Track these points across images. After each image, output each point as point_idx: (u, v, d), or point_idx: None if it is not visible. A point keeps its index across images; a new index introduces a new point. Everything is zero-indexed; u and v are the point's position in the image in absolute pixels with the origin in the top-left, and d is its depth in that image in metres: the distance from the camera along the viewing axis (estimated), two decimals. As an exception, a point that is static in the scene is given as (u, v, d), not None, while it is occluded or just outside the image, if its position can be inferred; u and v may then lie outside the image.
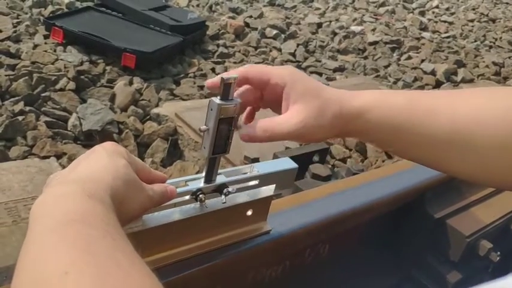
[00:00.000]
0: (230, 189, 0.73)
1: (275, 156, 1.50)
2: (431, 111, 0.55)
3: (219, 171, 0.76)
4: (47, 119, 1.67)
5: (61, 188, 0.47)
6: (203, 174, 0.73)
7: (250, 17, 3.24)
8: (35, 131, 1.59)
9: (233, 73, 0.66)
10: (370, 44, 3.30)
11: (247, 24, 3.07)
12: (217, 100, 0.66)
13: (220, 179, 0.74)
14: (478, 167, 0.55)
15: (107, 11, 2.44)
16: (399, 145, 0.59)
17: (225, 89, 0.66)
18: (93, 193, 0.46)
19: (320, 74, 2.64)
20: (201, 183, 0.72)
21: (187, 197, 0.70)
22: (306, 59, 2.83)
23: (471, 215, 1.13)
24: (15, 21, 2.24)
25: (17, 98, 1.68)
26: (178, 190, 0.68)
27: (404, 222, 1.11)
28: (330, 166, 1.92)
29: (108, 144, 0.58)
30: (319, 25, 3.50)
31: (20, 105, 1.65)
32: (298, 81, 0.61)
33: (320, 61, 2.85)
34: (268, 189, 0.82)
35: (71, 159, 1.52)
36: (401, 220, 1.11)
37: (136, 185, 0.56)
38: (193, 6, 3.28)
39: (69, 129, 1.69)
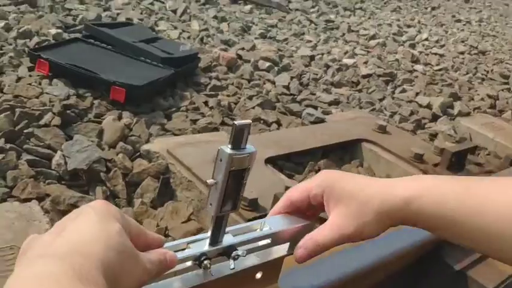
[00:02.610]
0: (240, 252, 0.63)
1: (276, 198, 1.40)
2: (486, 202, 0.54)
3: (228, 229, 0.66)
4: (29, 157, 1.56)
5: (44, 265, 0.39)
6: (208, 234, 0.63)
7: (243, 49, 3.18)
8: (16, 170, 1.48)
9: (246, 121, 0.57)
10: (364, 76, 3.26)
11: (239, 57, 3.01)
12: (227, 149, 0.57)
13: (227, 240, 0.64)
14: None
15: (96, 43, 2.36)
16: (449, 233, 0.58)
17: (237, 135, 0.57)
18: (85, 274, 0.38)
19: (315, 108, 2.57)
20: (205, 246, 0.62)
21: (189, 263, 0.60)
22: (300, 92, 2.77)
23: (493, 265, 1.04)
24: (-2, 52, 2.14)
25: (-3, 134, 1.57)
26: (179, 255, 0.57)
27: (423, 276, 1.01)
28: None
29: (98, 204, 0.49)
30: (312, 58, 3.46)
31: (0, 143, 1.53)
32: (334, 186, 0.62)
33: (314, 94, 2.79)
34: (281, 249, 0.72)
35: (54, 202, 1.40)
36: (420, 274, 1.01)
37: (132, 255, 0.48)
38: (184, 38, 3.22)
39: (53, 168, 1.57)
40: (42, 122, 1.70)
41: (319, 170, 2.04)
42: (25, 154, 1.57)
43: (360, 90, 3.04)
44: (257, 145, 1.88)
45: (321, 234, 0.63)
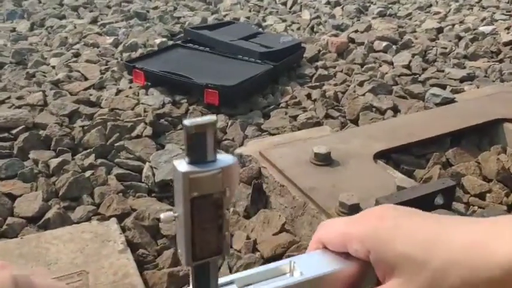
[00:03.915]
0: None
1: (377, 203, 1.14)
2: None
3: (232, 276, 0.45)
4: (119, 171, 1.51)
5: None
6: (191, 289, 0.42)
7: (356, 31, 2.89)
8: (104, 186, 1.43)
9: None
10: (505, 44, 2.73)
11: (352, 40, 2.72)
12: (182, 165, 0.36)
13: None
14: None
15: (194, 47, 2.29)
16: None
17: (193, 143, 0.36)
18: None
19: (443, 87, 2.19)
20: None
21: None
22: (424, 70, 2.40)
23: None
24: (103, 67, 2.19)
25: (88, 150, 1.55)
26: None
27: None
28: (463, 205, 1.48)
29: None
30: (440, 30, 3.02)
31: (91, 159, 1.51)
32: (384, 247, 0.42)
33: (443, 71, 2.39)
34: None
35: (138, 218, 1.32)
36: None
37: None
38: (292, 30, 3.03)
39: (142, 180, 1.51)
40: (134, 134, 1.66)
41: (447, 161, 1.69)
42: (116, 168, 1.53)
43: (501, 61, 2.54)
44: (365, 138, 1.58)
45: None
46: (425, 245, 0.40)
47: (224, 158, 0.37)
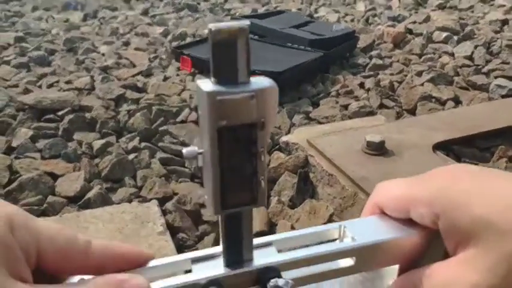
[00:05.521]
0: (281, 282, 0.34)
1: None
2: None
3: (271, 237, 0.39)
4: (163, 155, 1.47)
5: None
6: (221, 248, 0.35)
7: (414, 22, 2.74)
8: (147, 169, 1.40)
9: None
10: None
11: (409, 31, 2.59)
12: (207, 84, 0.29)
13: (263, 258, 0.36)
14: None
15: (243, 34, 2.23)
16: None
17: (221, 56, 0.29)
18: None
19: (510, 78, 2.02)
20: (220, 268, 0.35)
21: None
22: (488, 62, 2.23)
23: None
24: (152, 55, 2.17)
25: (133, 133, 1.52)
26: (166, 284, 0.32)
27: None
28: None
29: None
30: (505, 22, 2.82)
31: (135, 142, 1.48)
32: (461, 206, 0.33)
33: (508, 63, 2.21)
34: (387, 273, 0.41)
35: (179, 202, 1.27)
36: None
37: None
38: (346, 21, 2.92)
39: (186, 165, 1.46)
40: (179, 119, 1.61)
41: (515, 155, 1.54)
42: (159, 152, 1.49)
43: None
44: (423, 128, 1.46)
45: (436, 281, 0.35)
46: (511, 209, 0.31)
47: (259, 80, 0.30)
